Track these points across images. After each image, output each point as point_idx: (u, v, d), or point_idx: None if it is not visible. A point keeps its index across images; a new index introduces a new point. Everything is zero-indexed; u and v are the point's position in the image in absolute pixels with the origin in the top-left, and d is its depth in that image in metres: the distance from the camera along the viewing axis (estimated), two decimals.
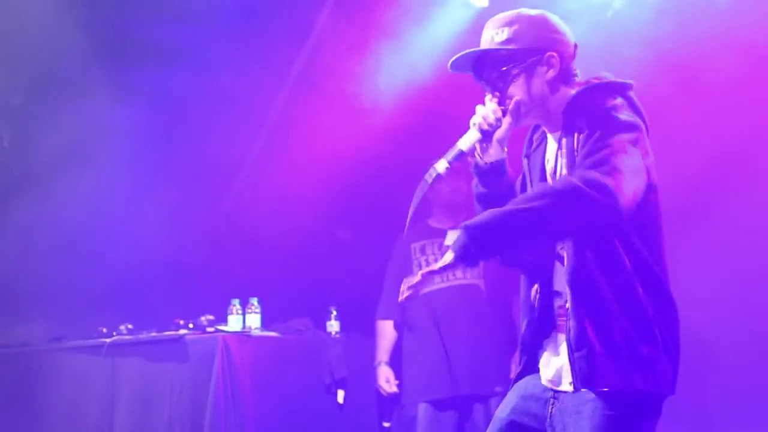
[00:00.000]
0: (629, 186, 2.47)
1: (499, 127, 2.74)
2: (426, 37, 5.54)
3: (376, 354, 5.39)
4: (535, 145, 2.89)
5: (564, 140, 2.65)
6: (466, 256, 2.48)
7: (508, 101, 2.73)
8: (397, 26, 5.43)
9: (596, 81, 2.72)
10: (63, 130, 5.83)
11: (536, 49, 2.71)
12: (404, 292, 2.59)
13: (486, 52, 2.75)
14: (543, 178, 2.78)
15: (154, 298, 5.72)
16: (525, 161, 2.91)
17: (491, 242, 2.48)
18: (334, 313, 5.69)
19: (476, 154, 2.79)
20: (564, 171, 2.62)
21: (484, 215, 2.50)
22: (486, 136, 2.75)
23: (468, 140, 2.74)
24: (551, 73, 2.71)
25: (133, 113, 5.81)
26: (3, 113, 6.00)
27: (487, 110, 2.74)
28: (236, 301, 5.30)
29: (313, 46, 5.96)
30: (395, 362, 5.37)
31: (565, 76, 2.74)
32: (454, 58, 2.78)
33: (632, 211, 2.50)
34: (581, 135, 2.58)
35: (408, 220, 2.74)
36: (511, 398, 2.83)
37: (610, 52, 4.79)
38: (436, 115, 5.14)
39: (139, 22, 5.62)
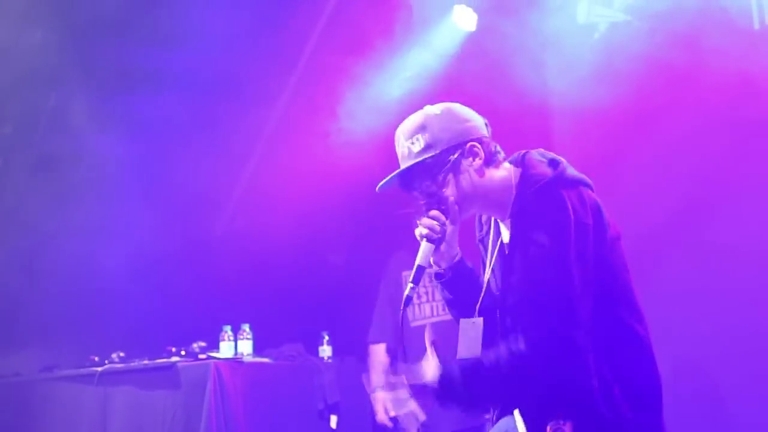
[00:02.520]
0: (576, 320, 2.52)
1: (446, 231, 2.76)
2: (415, 61, 5.57)
3: (371, 379, 5.37)
4: (485, 228, 2.93)
5: (512, 234, 2.70)
6: (443, 396, 2.66)
7: (444, 205, 2.75)
8: (385, 50, 5.46)
9: (534, 167, 2.73)
10: (53, 158, 5.84)
11: (455, 145, 2.73)
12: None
13: (410, 167, 2.76)
14: (503, 264, 2.79)
15: (146, 326, 5.71)
16: (480, 247, 2.95)
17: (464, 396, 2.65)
18: (326, 338, 5.68)
19: (432, 264, 2.82)
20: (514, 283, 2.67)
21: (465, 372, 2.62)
22: (437, 244, 2.77)
23: (423, 255, 2.76)
24: (477, 162, 2.74)
25: (124, 141, 5.82)
26: None
27: (429, 221, 2.76)
28: (228, 328, 5.28)
29: (302, 71, 5.99)
30: None
31: (489, 159, 2.76)
32: (381, 184, 2.82)
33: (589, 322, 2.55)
34: (532, 248, 2.61)
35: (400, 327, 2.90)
36: None
37: (598, 69, 4.85)
38: None
39: (126, 50, 5.63)
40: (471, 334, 2.79)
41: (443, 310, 5.20)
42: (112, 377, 5.14)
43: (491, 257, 2.84)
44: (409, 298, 2.76)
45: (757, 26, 4.85)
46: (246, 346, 5.29)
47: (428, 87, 5.43)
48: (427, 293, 5.26)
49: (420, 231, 2.77)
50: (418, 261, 2.75)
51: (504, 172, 2.76)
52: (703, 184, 5.03)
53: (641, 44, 4.96)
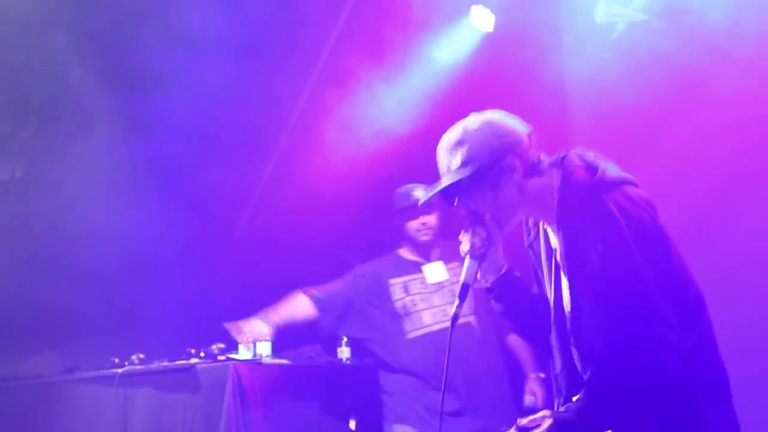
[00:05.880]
0: (662, 327, 2.48)
1: (490, 245, 2.76)
2: (434, 60, 5.57)
3: (269, 314, 5.27)
4: (533, 233, 2.90)
5: (564, 247, 2.66)
6: None
7: (484, 222, 2.75)
8: (404, 49, 5.46)
9: (573, 172, 2.69)
10: (73, 161, 5.87)
11: (494, 160, 2.70)
12: None
13: (449, 185, 2.75)
14: (554, 268, 2.77)
15: (165, 328, 5.73)
16: (530, 253, 2.93)
17: None
18: (345, 339, 5.67)
19: (479, 279, 2.82)
20: (567, 295, 2.65)
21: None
22: (482, 259, 2.77)
23: (469, 272, 2.77)
24: (517, 176, 2.71)
25: (143, 143, 5.84)
26: (14, 145, 6.05)
27: (471, 237, 2.76)
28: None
29: (321, 71, 6.00)
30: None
31: (531, 170, 2.73)
32: (422, 200, 2.85)
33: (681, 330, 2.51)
34: (589, 266, 2.57)
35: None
36: None
37: (616, 69, 4.83)
38: None
39: (146, 53, 5.66)
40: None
41: (444, 316, 5.12)
42: (132, 379, 5.16)
43: (545, 266, 2.82)
44: (455, 316, 2.75)
45: None
46: (265, 348, 5.29)
47: (445, 88, 5.43)
48: (423, 300, 5.23)
49: (463, 247, 2.77)
50: (463, 278, 2.75)
51: (546, 177, 2.74)
52: (725, 185, 5.00)
53: (660, 43, 4.94)
